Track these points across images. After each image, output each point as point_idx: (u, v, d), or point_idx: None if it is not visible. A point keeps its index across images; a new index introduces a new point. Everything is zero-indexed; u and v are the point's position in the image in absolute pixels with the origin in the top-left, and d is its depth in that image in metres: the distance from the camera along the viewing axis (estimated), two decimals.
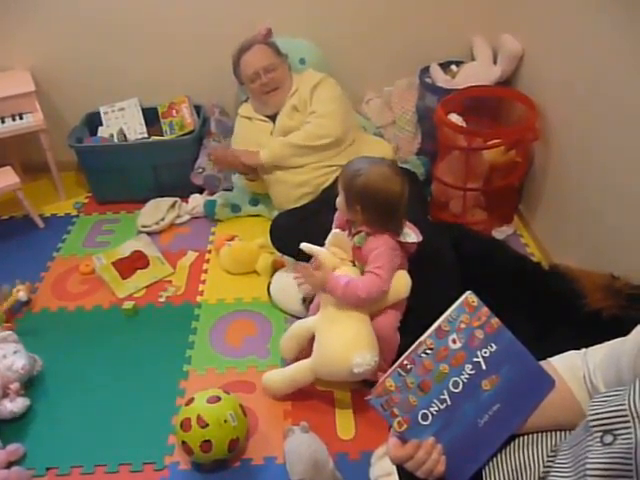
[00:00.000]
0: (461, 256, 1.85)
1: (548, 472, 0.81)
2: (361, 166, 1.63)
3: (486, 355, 0.90)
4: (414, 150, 2.64)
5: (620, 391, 0.71)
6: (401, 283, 1.68)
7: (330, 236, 1.70)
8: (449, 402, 0.87)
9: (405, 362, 0.87)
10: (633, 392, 0.69)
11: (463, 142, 2.20)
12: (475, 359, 0.90)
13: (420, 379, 0.87)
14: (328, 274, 1.63)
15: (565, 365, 0.93)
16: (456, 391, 0.88)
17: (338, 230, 1.71)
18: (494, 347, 0.91)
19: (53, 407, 1.79)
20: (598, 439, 0.70)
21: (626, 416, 0.68)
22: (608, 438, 0.69)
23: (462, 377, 0.89)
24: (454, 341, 0.89)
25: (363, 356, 1.57)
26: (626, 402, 0.68)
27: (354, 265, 1.70)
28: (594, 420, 0.71)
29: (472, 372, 0.89)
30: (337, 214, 1.77)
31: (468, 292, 0.93)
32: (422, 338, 0.89)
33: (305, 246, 1.68)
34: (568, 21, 2.01)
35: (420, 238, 1.67)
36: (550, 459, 0.83)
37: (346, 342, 1.61)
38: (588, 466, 0.70)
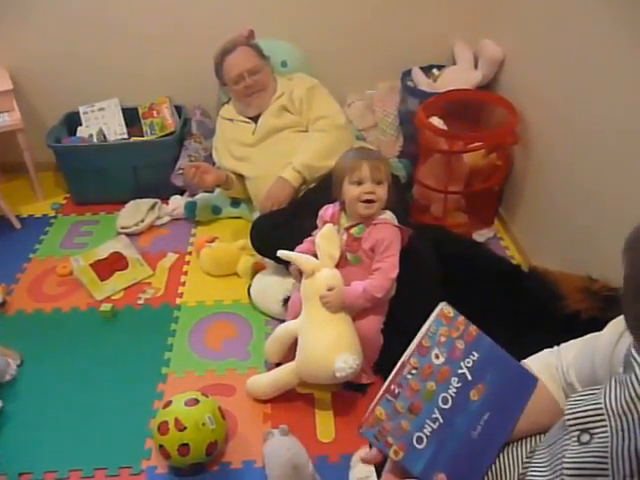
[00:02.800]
0: (442, 258, 1.85)
1: (525, 473, 0.81)
2: (371, 155, 1.71)
3: (469, 365, 0.89)
4: (396, 153, 2.65)
5: (596, 390, 0.71)
6: None
7: (324, 229, 1.68)
8: (441, 420, 0.85)
9: (392, 386, 0.85)
10: (609, 390, 0.69)
11: (444, 145, 2.22)
12: (460, 371, 0.88)
13: (409, 402, 0.85)
14: (342, 290, 1.62)
15: (541, 365, 0.93)
16: (446, 407, 0.86)
17: (331, 224, 1.70)
18: (476, 355, 0.90)
19: (27, 410, 1.75)
20: (575, 438, 0.70)
21: (602, 414, 0.67)
22: (585, 437, 0.69)
23: (450, 392, 0.87)
24: (437, 356, 0.88)
25: (345, 359, 1.56)
26: (602, 400, 0.68)
27: (345, 257, 1.69)
28: (571, 419, 0.71)
29: (459, 385, 0.87)
30: (324, 210, 1.76)
31: (443, 303, 0.92)
32: (404, 358, 0.87)
33: (282, 253, 1.68)
34: (548, 27, 2.03)
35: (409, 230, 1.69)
36: (528, 459, 0.83)
37: (328, 345, 1.61)
38: (565, 465, 0.69)
